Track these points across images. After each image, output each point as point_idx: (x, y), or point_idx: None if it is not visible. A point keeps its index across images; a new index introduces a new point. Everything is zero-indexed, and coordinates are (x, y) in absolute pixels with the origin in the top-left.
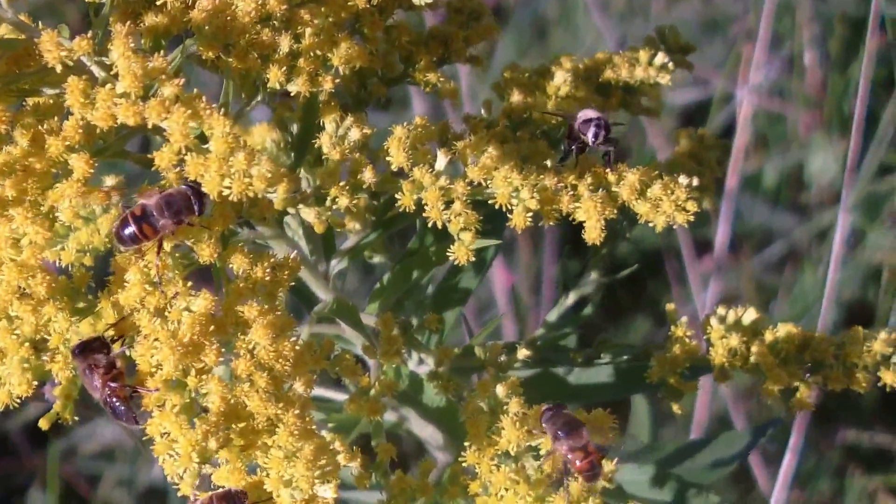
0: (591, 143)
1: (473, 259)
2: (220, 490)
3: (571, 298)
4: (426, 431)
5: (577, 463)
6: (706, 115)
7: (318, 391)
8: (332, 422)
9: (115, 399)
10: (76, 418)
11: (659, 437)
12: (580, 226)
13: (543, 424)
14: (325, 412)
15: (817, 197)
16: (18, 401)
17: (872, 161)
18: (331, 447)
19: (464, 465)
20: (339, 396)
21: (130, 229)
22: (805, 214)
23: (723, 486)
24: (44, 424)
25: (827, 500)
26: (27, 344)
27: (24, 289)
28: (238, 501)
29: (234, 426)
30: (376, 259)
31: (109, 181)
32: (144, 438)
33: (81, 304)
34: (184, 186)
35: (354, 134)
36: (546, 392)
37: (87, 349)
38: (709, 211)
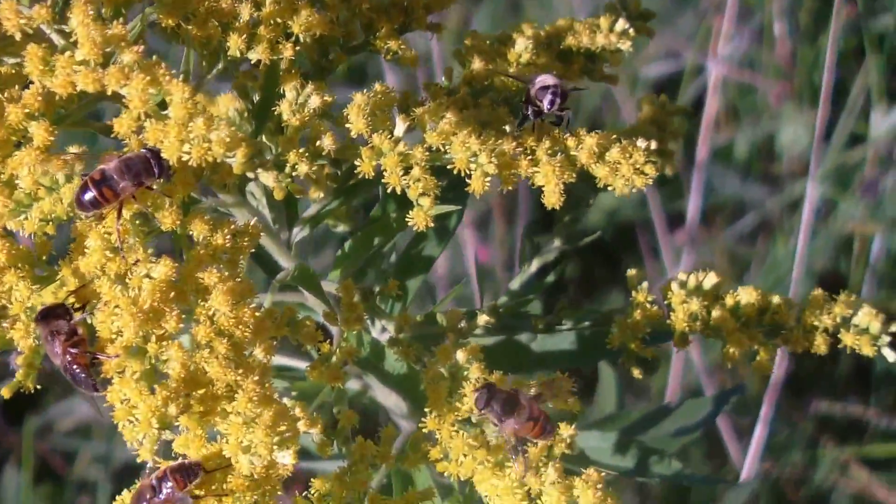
0: (546, 110)
1: (432, 225)
2: (175, 462)
3: (535, 266)
4: (390, 400)
5: (529, 432)
6: (679, 87)
7: (283, 360)
8: (295, 390)
9: (75, 366)
10: (38, 386)
11: (627, 407)
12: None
13: (482, 412)
14: (290, 381)
15: (788, 167)
16: None
17: (843, 131)
18: (291, 413)
19: (424, 431)
20: (304, 365)
21: (90, 194)
22: (776, 185)
23: (698, 461)
24: (6, 393)
25: (799, 472)
26: None
27: None
28: (193, 473)
29: (194, 393)
30: (341, 228)
31: (74, 150)
32: (105, 405)
33: (43, 273)
34: (143, 150)
35: (314, 101)
36: (508, 360)
37: (49, 316)
38: (681, 182)
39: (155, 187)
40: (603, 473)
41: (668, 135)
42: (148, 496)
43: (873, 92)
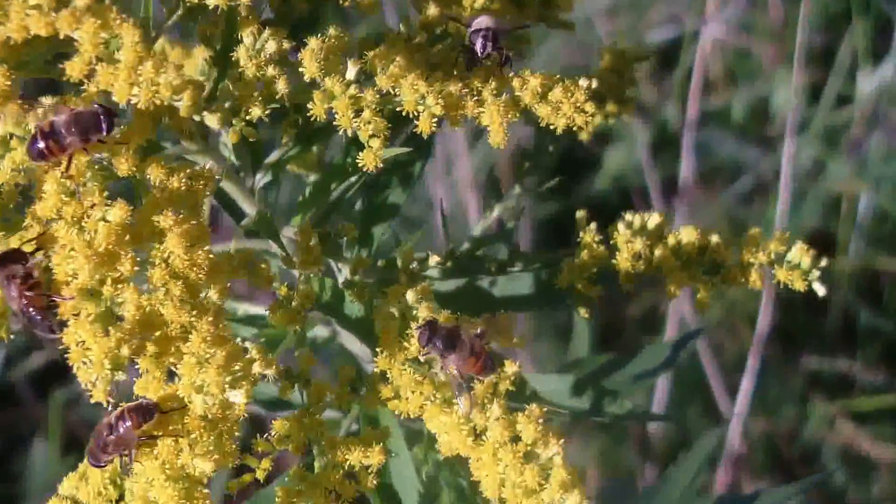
0: (479, 53)
1: (381, 165)
2: (132, 402)
3: (496, 212)
4: (356, 345)
5: (472, 368)
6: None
7: (252, 308)
8: (263, 337)
9: (31, 308)
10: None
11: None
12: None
13: (424, 348)
14: (259, 328)
15: (782, 129)
16: None
17: (830, 92)
18: (246, 355)
19: (377, 371)
20: None
21: (38, 145)
22: (771, 147)
23: (694, 418)
24: None
25: (791, 427)
26: None
27: None
28: (149, 412)
29: (150, 334)
30: (312, 177)
31: (47, 101)
32: (60, 347)
33: (10, 220)
34: (95, 105)
35: (271, 47)
36: (469, 303)
37: (5, 260)
38: (679, 147)
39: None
40: (545, 409)
41: (627, 82)
42: (105, 434)
43: (859, 53)
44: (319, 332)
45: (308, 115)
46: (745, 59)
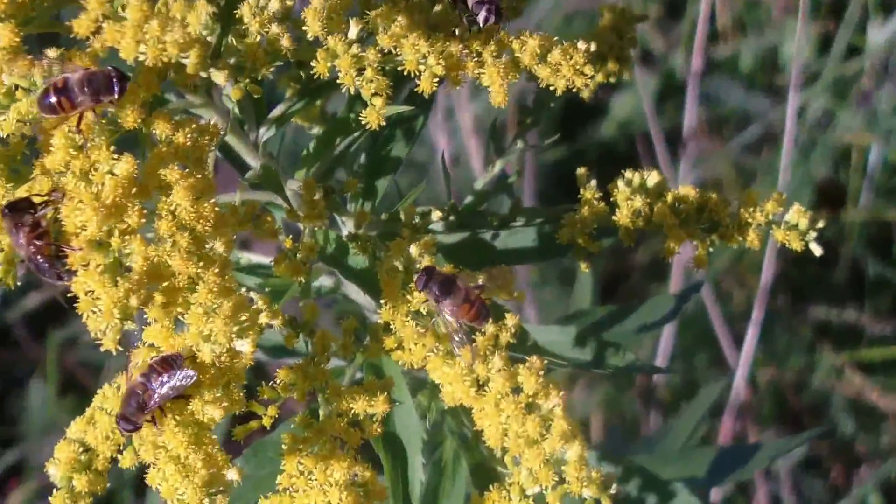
0: (480, 24)
1: (384, 123)
2: (160, 355)
3: (498, 166)
4: (361, 297)
5: (466, 315)
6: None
7: (254, 257)
8: (268, 286)
9: (39, 256)
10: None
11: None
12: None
13: (421, 293)
14: (263, 277)
15: (791, 79)
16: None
17: (840, 43)
18: (252, 306)
19: (380, 322)
20: None
21: (51, 100)
22: (780, 97)
23: (702, 369)
24: None
25: (799, 377)
26: None
27: None
28: (176, 364)
29: (157, 285)
30: (315, 130)
31: (51, 53)
32: (69, 295)
33: (18, 170)
34: (109, 68)
35: (274, 4)
36: (472, 256)
37: (14, 209)
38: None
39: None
40: (546, 361)
41: (627, 41)
42: (140, 391)
43: (870, 5)
44: (323, 281)
45: (311, 71)
46: (754, 8)
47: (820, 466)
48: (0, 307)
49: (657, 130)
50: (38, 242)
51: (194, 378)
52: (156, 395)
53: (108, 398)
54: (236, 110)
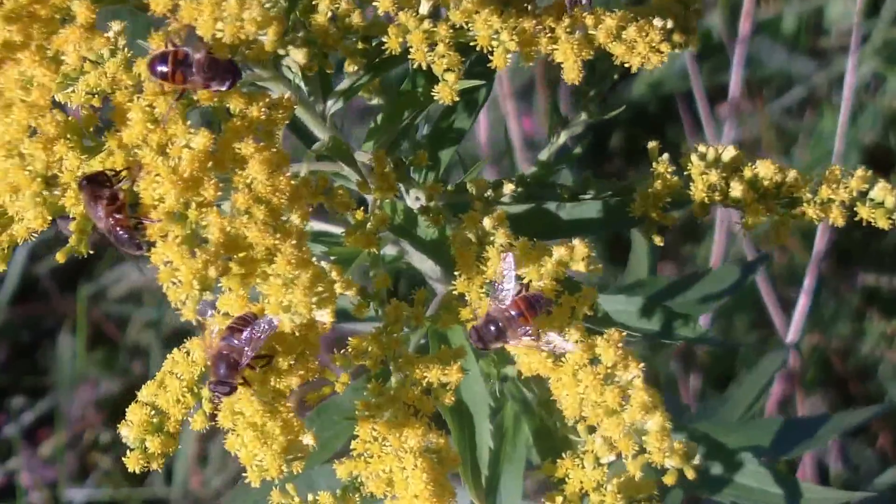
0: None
1: (457, 99)
2: (236, 316)
3: (563, 138)
4: (425, 264)
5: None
6: None
7: (322, 226)
8: (333, 255)
9: (118, 228)
10: (90, 252)
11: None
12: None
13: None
14: (328, 246)
15: (837, 42)
16: (34, 235)
17: (892, 6)
18: (327, 276)
19: (455, 293)
20: (341, 231)
21: (164, 69)
22: (824, 59)
23: (744, 331)
24: (60, 258)
25: (846, 344)
26: (39, 179)
27: (35, 128)
28: (252, 320)
29: (234, 256)
30: (375, 101)
31: (115, 26)
32: (148, 265)
33: (90, 143)
34: (231, 60)
35: None
36: (538, 227)
37: (92, 182)
38: (726, 55)
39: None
40: (625, 334)
41: (692, 13)
42: (227, 352)
43: None
44: (387, 251)
45: (380, 45)
46: None
47: (867, 433)
48: (28, 261)
49: (701, 91)
50: (117, 215)
51: (277, 324)
52: (247, 349)
53: (178, 363)
54: (301, 84)
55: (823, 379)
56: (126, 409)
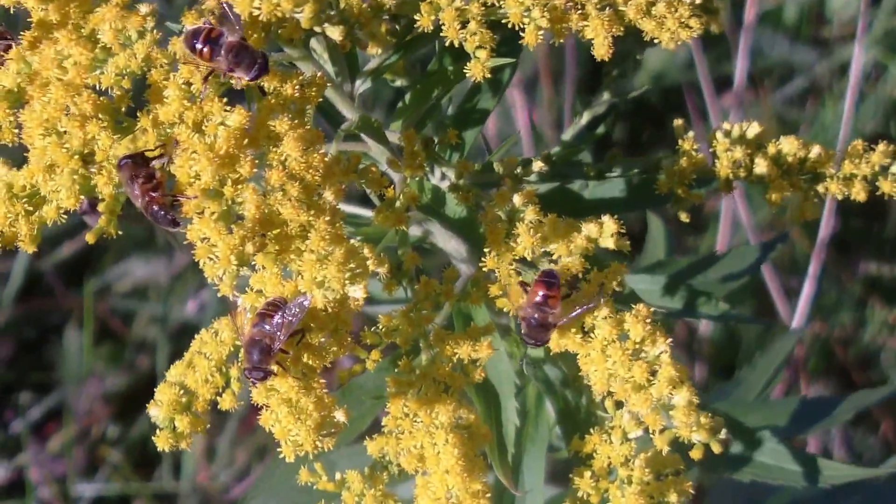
0: None
1: (489, 76)
2: (263, 303)
3: (585, 118)
4: (450, 245)
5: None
6: None
7: (348, 208)
8: (360, 235)
9: (155, 206)
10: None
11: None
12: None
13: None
14: (355, 227)
15: (839, 32)
16: (64, 216)
17: None
18: (359, 253)
19: (484, 270)
20: (368, 213)
21: (198, 45)
22: (826, 49)
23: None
24: (90, 239)
25: (848, 332)
26: (77, 157)
27: (70, 108)
28: (282, 304)
29: (268, 233)
30: (399, 83)
31: (144, 9)
32: (185, 243)
33: (123, 123)
34: (261, 53)
35: None
36: (561, 206)
37: (131, 161)
38: (728, 45)
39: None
40: (652, 310)
41: None
42: (259, 338)
43: None
44: (413, 231)
45: (412, 24)
46: None
47: (869, 421)
48: (34, 257)
49: (708, 81)
50: (153, 193)
51: (308, 304)
52: (279, 334)
53: (206, 342)
54: (328, 64)
55: (826, 367)
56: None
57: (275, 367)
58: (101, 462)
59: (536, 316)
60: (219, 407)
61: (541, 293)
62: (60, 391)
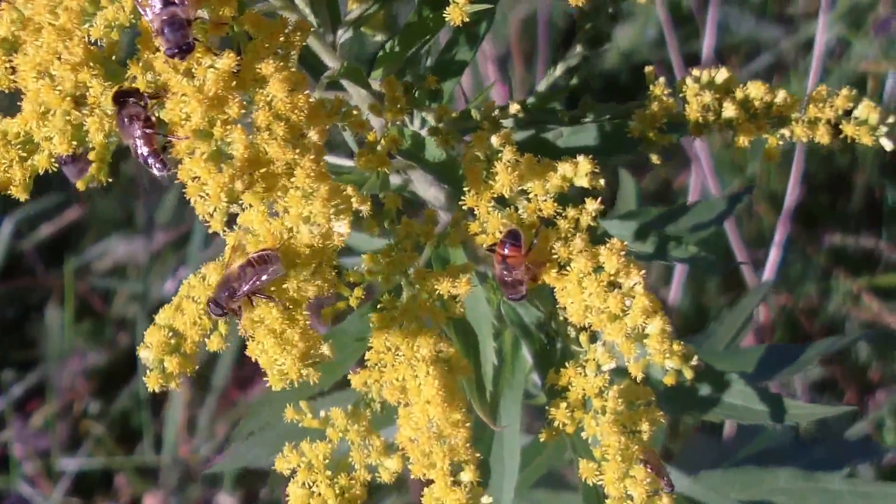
0: None
1: (467, 20)
2: (258, 252)
3: (559, 70)
4: (430, 193)
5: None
6: None
7: (332, 159)
8: (344, 182)
9: (147, 146)
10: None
11: None
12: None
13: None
14: (338, 175)
15: (804, 8)
16: (56, 165)
17: None
18: (343, 191)
19: (464, 209)
20: (351, 163)
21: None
22: (791, 26)
23: (714, 292)
24: (80, 186)
25: (814, 303)
26: (69, 98)
27: (62, 53)
28: (270, 261)
29: (256, 171)
30: (379, 37)
31: None
32: (176, 182)
33: (114, 71)
34: (191, 40)
35: None
36: (537, 154)
37: (126, 96)
38: (696, 25)
39: None
40: (626, 243)
41: None
42: (232, 281)
43: None
44: (393, 180)
45: None
46: None
47: (835, 389)
48: (13, 237)
49: (678, 58)
50: (148, 131)
51: (279, 275)
52: (244, 285)
53: (193, 286)
54: (310, 14)
55: (791, 338)
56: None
57: (231, 309)
58: (84, 437)
59: (505, 274)
60: (207, 348)
61: (504, 252)
62: (42, 368)
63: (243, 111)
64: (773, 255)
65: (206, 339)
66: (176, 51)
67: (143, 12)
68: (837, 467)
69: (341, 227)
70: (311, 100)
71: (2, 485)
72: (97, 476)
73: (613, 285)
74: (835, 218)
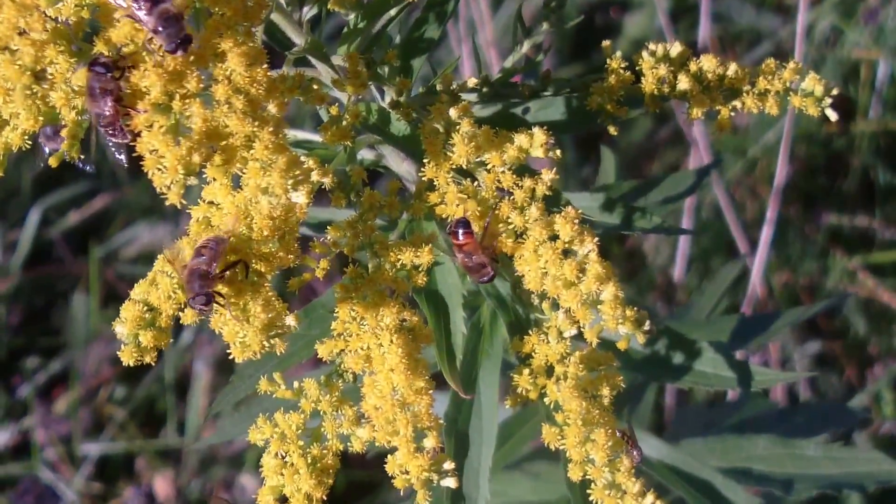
0: None
1: None
2: (205, 238)
3: (525, 47)
4: (402, 167)
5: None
6: None
7: (302, 133)
8: (312, 157)
9: (114, 121)
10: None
11: None
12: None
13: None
14: (307, 150)
15: None
16: (29, 142)
17: None
18: (303, 162)
19: (424, 180)
20: (320, 139)
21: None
22: (790, 15)
23: (716, 267)
24: (53, 162)
25: (812, 280)
26: (28, 73)
27: (24, 28)
28: (223, 242)
29: (215, 144)
30: (351, 17)
31: None
32: (134, 155)
33: (80, 48)
34: (187, 35)
35: None
36: (505, 129)
37: (97, 65)
38: (697, 15)
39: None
40: (580, 211)
41: None
42: (195, 268)
43: None
44: (365, 154)
45: None
46: None
47: (835, 364)
48: (41, 225)
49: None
50: (111, 103)
51: (226, 239)
52: (214, 264)
53: (167, 262)
54: None
55: None
56: (139, 365)
57: (215, 291)
58: (107, 422)
59: (467, 261)
60: (181, 321)
61: (459, 241)
62: (67, 355)
63: (201, 85)
64: (766, 233)
65: (179, 314)
66: (176, 45)
67: (133, 14)
68: (815, 433)
69: (300, 197)
70: (269, 74)
71: (24, 470)
72: (120, 461)
73: (568, 253)
74: (832, 199)
